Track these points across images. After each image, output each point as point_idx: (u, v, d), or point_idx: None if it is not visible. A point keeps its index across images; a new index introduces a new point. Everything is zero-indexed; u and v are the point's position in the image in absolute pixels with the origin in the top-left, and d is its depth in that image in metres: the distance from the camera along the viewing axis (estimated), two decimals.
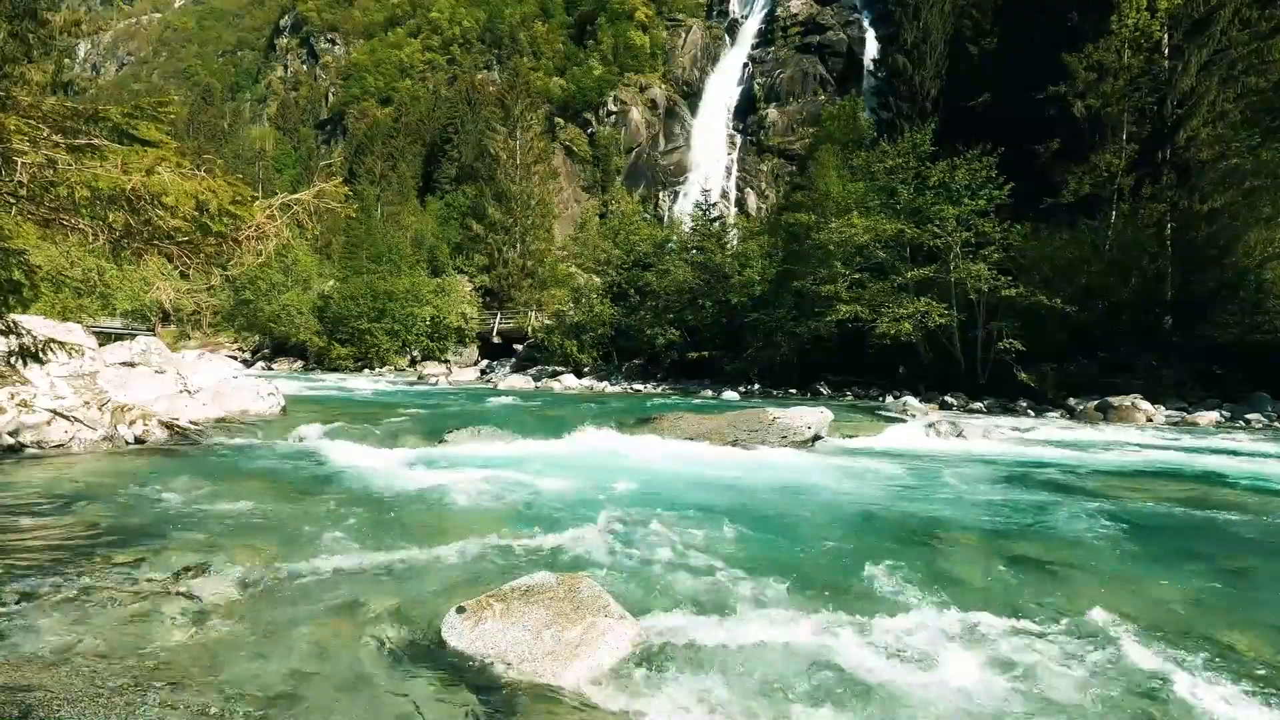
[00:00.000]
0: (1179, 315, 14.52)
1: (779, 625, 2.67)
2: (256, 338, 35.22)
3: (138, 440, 7.01)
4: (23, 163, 2.65)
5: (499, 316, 32.90)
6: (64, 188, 2.73)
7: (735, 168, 55.49)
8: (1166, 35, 15.96)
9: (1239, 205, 13.93)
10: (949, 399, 14.33)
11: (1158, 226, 15.12)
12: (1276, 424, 10.83)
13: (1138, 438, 9.25)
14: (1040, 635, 2.64)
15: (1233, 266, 13.93)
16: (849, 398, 16.24)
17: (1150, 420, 11.48)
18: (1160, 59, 15.91)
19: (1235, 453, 7.90)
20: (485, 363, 30.49)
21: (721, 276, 21.60)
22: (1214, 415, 11.43)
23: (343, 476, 5.69)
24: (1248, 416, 11.23)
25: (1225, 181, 14.27)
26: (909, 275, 15.67)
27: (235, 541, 3.65)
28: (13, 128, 2.61)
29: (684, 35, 63.54)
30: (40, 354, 4.34)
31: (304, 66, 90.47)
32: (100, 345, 9.73)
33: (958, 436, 8.86)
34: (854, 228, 15.87)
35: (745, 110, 57.41)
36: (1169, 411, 12.00)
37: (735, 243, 24.32)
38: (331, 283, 34.49)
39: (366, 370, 29.68)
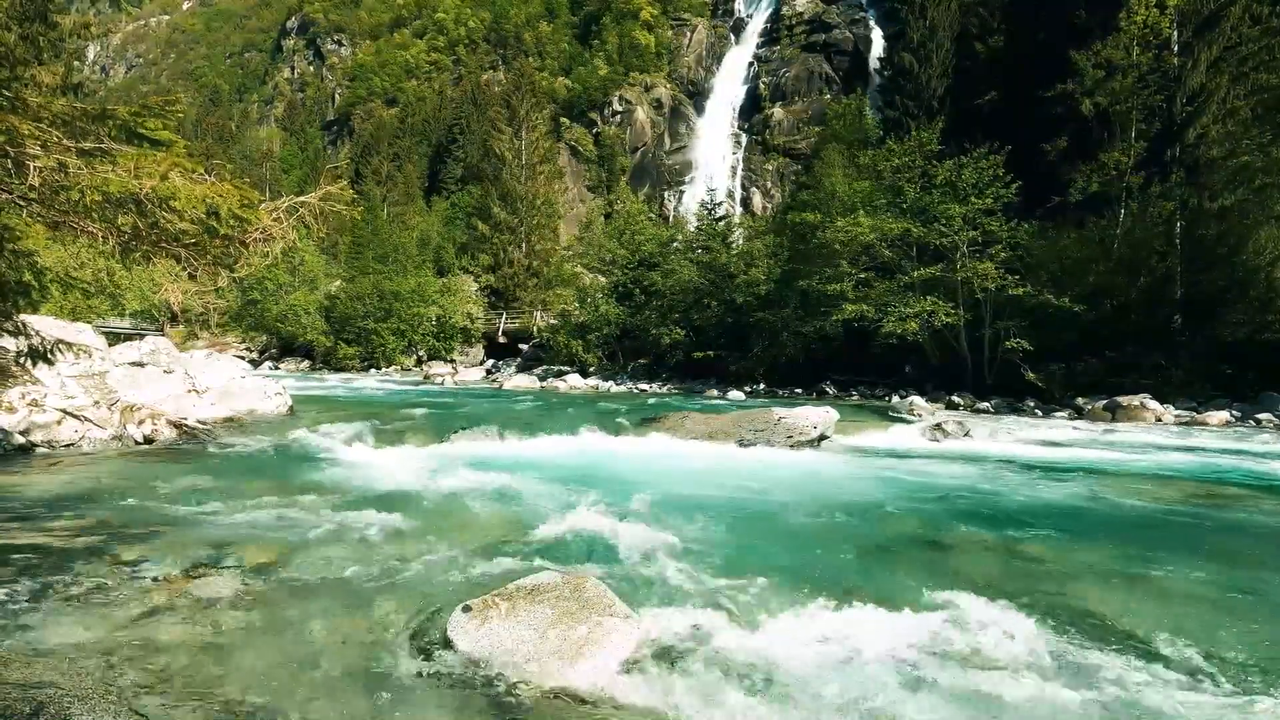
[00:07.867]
0: (1188, 314, 14.39)
1: (784, 625, 2.67)
2: (263, 338, 35.43)
3: (146, 440, 7.06)
4: (35, 166, 2.68)
5: (504, 316, 32.99)
6: (75, 191, 2.75)
7: (740, 167, 55.46)
8: (1176, 32, 15.83)
9: (1249, 203, 13.80)
10: (955, 399, 14.26)
11: (1167, 225, 14.99)
12: None
13: (1146, 437, 9.18)
14: (1044, 635, 2.63)
15: (1243, 265, 13.80)
16: (855, 397, 16.19)
17: (1159, 420, 11.39)
18: (1169, 56, 15.77)
19: (1246, 452, 7.84)
20: (491, 362, 30.58)
21: (727, 276, 21.54)
22: (1224, 415, 11.32)
23: (348, 476, 5.72)
24: (1258, 416, 11.13)
25: (1235, 179, 14.14)
26: (915, 274, 15.60)
27: (242, 540, 3.68)
28: (26, 132, 2.64)
29: (689, 34, 63.54)
30: (50, 354, 4.39)
31: (310, 68, 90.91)
32: (109, 345, 9.80)
33: (964, 436, 8.82)
34: (860, 227, 15.80)
35: (750, 109, 57.37)
36: (1178, 411, 11.89)
37: (740, 242, 24.27)
38: (338, 283, 34.66)
39: (373, 370, 29.81)
